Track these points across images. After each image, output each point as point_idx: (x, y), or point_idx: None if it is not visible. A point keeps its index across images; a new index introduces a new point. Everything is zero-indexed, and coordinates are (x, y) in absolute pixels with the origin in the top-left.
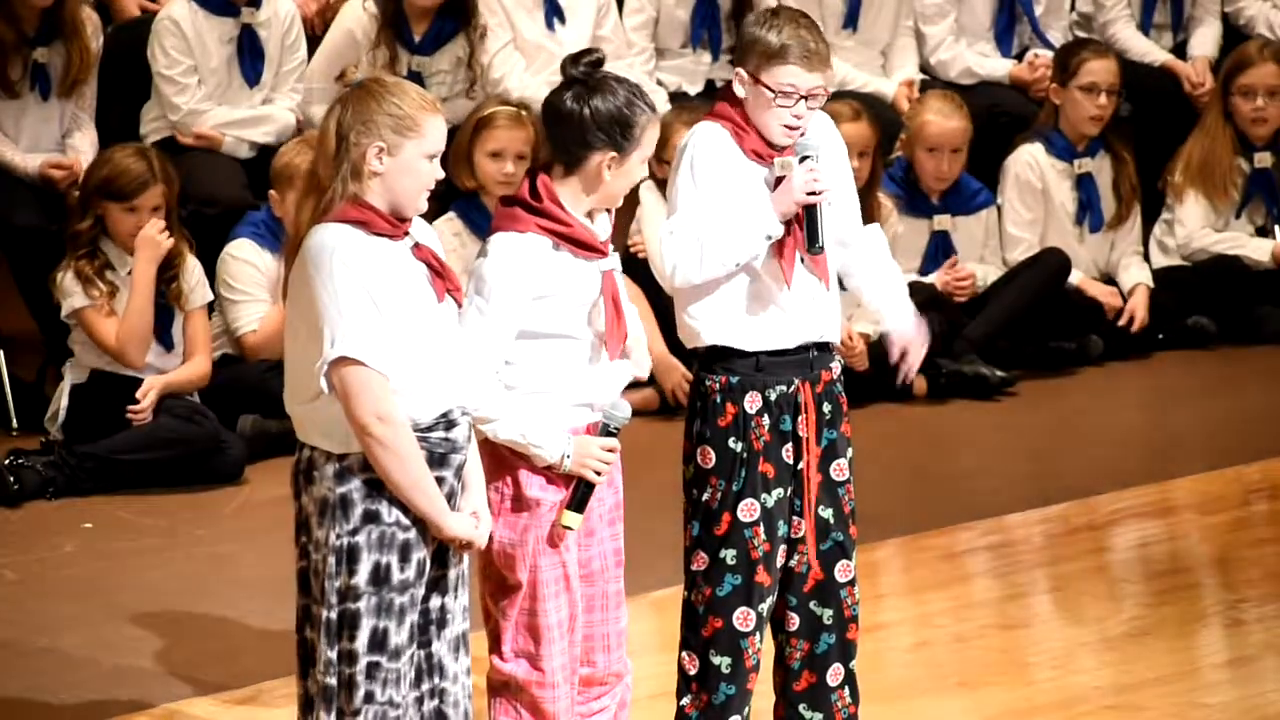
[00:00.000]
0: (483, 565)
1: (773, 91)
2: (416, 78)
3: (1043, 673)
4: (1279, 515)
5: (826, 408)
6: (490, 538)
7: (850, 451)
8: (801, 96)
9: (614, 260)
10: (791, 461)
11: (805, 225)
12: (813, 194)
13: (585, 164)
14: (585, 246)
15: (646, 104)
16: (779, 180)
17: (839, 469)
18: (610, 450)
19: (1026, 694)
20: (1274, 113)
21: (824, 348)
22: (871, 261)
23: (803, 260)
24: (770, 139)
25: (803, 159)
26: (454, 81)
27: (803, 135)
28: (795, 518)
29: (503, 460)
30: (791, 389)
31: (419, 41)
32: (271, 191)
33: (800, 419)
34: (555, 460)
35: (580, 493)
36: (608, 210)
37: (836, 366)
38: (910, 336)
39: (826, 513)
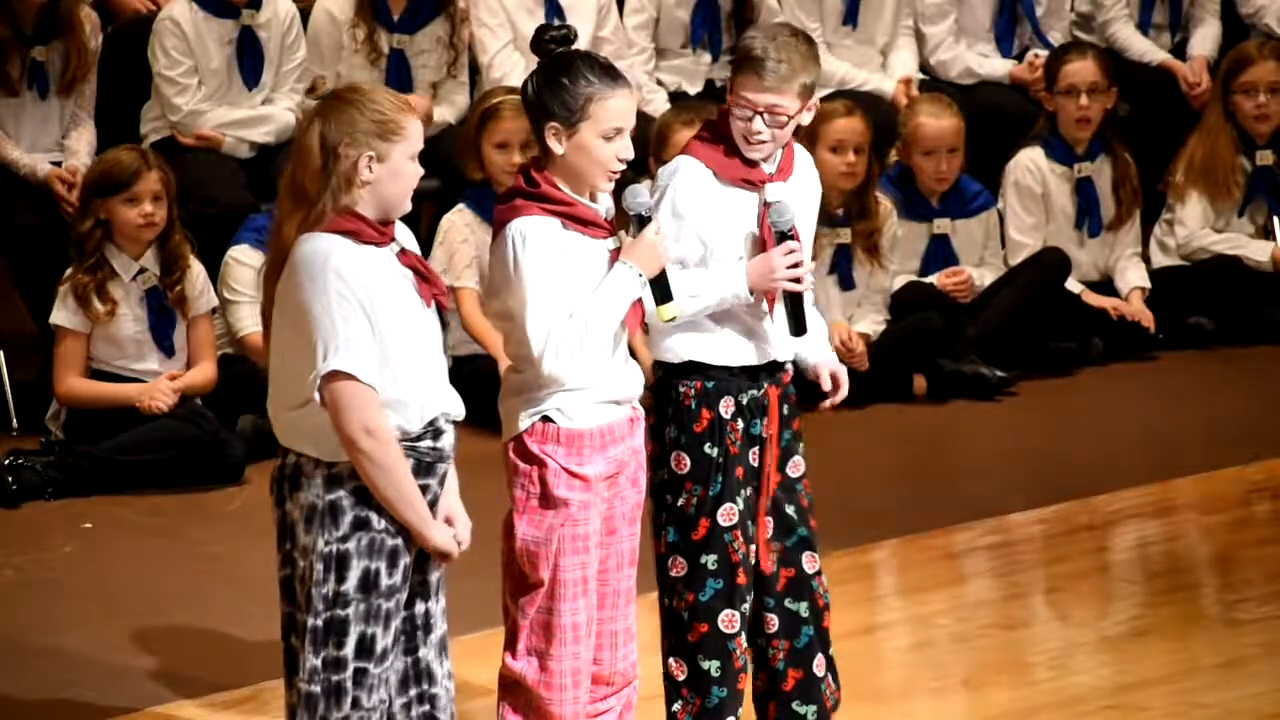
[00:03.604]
0: (505, 563)
1: (732, 102)
2: (399, 56)
3: (1043, 673)
4: None
5: (785, 409)
6: (513, 534)
7: (802, 447)
8: (758, 112)
9: (620, 239)
10: (756, 463)
11: (788, 311)
12: (795, 280)
13: (545, 140)
14: (590, 224)
15: (598, 77)
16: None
17: (795, 465)
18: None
19: (1026, 694)
20: (1276, 109)
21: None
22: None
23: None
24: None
25: (780, 237)
26: (439, 63)
27: (765, 157)
28: (766, 517)
29: (530, 458)
30: (761, 393)
31: (398, 20)
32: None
33: (764, 421)
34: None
35: (661, 284)
36: (609, 192)
37: (791, 368)
38: (836, 364)
39: (790, 509)
